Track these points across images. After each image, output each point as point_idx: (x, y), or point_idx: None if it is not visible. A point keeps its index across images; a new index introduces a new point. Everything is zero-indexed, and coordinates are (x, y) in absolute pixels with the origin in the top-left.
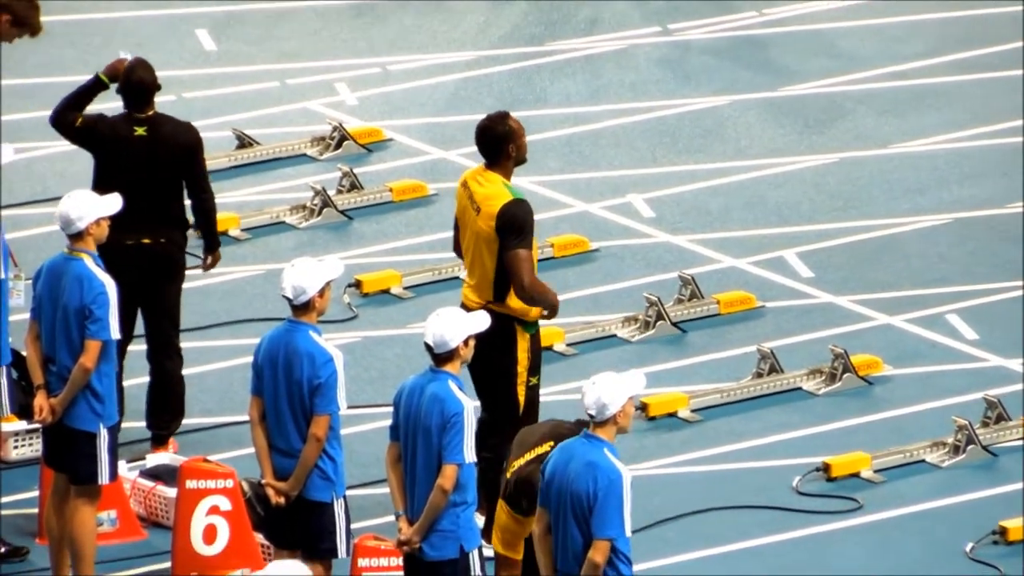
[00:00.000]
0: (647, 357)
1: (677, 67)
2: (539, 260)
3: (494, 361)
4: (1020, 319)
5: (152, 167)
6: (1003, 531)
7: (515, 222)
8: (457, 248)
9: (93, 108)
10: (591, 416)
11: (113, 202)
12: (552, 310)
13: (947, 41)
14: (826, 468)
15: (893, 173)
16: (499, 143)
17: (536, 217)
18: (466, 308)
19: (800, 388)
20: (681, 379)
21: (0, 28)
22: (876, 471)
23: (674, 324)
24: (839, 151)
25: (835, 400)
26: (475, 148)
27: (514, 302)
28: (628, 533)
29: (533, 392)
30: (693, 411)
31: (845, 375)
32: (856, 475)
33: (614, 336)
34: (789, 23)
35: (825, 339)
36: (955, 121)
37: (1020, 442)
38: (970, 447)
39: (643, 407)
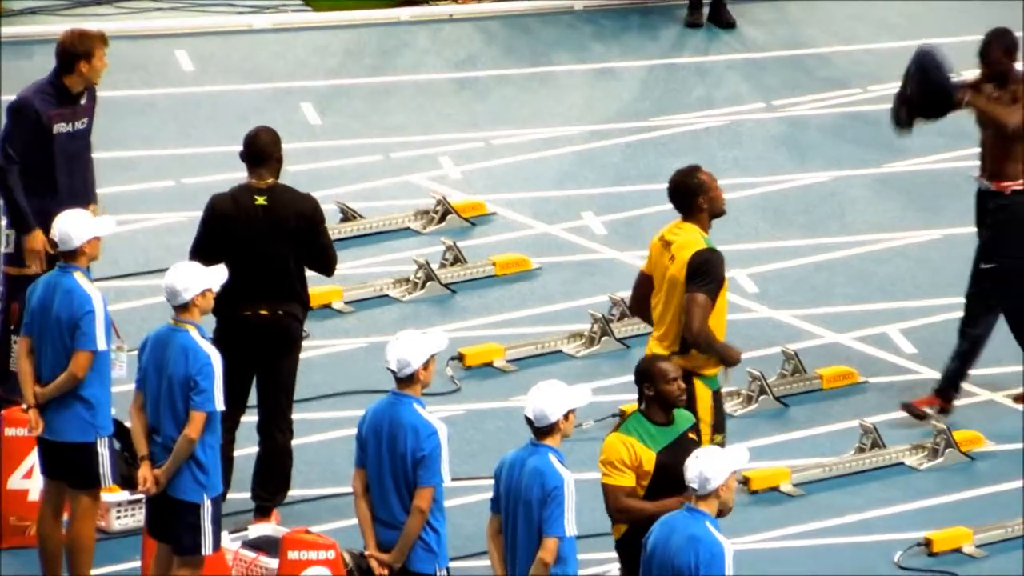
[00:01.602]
0: (750, 431)
1: (782, 143)
2: (640, 334)
3: None
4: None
5: (272, 238)
6: None
7: (703, 267)
8: (636, 304)
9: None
10: (693, 489)
11: (219, 273)
12: (725, 360)
13: None
14: (928, 543)
15: None
16: (689, 196)
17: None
18: None
19: (902, 463)
20: (783, 454)
21: (88, 73)
22: (977, 546)
23: (777, 399)
24: (944, 227)
25: (937, 475)
26: (578, 222)
27: (696, 355)
28: None
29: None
30: (795, 485)
31: (947, 450)
32: (958, 550)
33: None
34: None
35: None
36: None
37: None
38: None
39: (745, 481)
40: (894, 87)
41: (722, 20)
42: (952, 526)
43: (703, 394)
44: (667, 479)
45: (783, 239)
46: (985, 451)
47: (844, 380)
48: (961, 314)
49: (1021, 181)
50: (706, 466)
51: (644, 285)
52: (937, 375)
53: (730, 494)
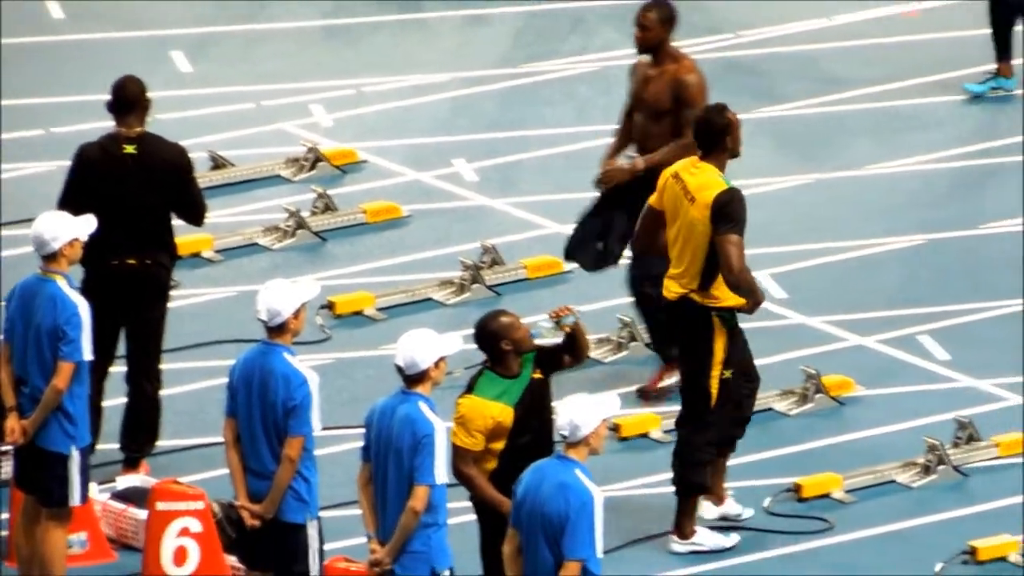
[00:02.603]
0: (620, 378)
1: None
2: (512, 281)
3: (690, 352)
4: (992, 340)
5: (141, 187)
6: (973, 551)
7: (729, 208)
8: (642, 237)
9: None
10: (564, 437)
11: (87, 223)
12: (756, 303)
13: (922, 63)
14: (797, 489)
15: (867, 194)
16: (717, 135)
17: (511, 238)
18: (667, 300)
19: (772, 409)
20: (653, 399)
21: None
22: (847, 492)
23: (647, 345)
24: (814, 172)
25: (806, 421)
26: (450, 169)
27: (718, 291)
28: (599, 554)
29: (725, 386)
30: (665, 432)
31: (817, 396)
32: (827, 496)
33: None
34: (767, 45)
35: (797, 360)
36: (929, 143)
37: (991, 462)
38: (941, 467)
39: (615, 428)
40: (766, 32)
41: None
42: (822, 471)
43: (719, 332)
44: (527, 427)
45: None
46: (855, 396)
47: None
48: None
49: None
50: (576, 414)
51: (652, 219)
52: (807, 319)
53: (600, 441)
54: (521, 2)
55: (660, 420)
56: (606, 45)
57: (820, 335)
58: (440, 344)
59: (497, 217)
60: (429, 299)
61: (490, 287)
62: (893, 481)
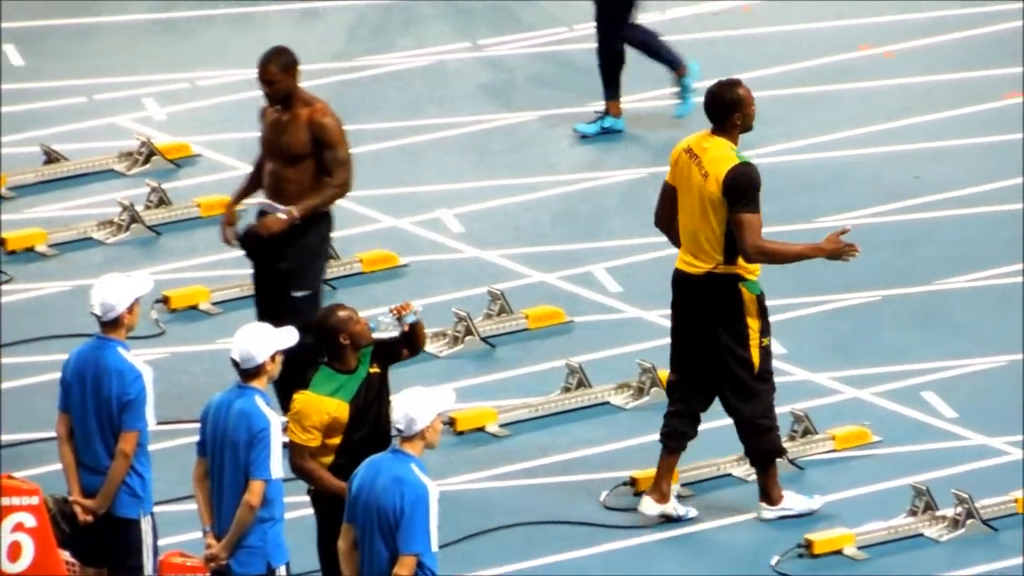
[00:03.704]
0: (456, 372)
1: (487, 83)
2: (348, 275)
3: (724, 327)
4: (826, 332)
5: None
6: (809, 544)
7: (741, 184)
8: (663, 216)
9: None
10: (399, 431)
11: None
12: (802, 257)
13: (757, 57)
14: (633, 482)
15: None
16: (726, 109)
17: (344, 232)
18: (687, 275)
19: (608, 402)
20: (489, 394)
21: None
22: (684, 484)
23: (483, 339)
24: (647, 166)
25: (643, 414)
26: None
27: (743, 260)
28: (434, 548)
29: (767, 353)
30: (501, 426)
31: (653, 389)
32: None
33: (423, 351)
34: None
35: (633, 353)
36: (768, 136)
37: (827, 455)
38: (777, 460)
39: (451, 422)
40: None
41: None
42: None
43: (748, 299)
44: (363, 422)
45: (489, 179)
46: None
47: (550, 320)
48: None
49: None
50: (412, 407)
51: (670, 196)
52: (643, 313)
53: (436, 435)
54: None
55: (497, 415)
56: (440, 39)
57: (656, 329)
58: (275, 338)
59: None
60: None
61: (326, 281)
62: (730, 474)
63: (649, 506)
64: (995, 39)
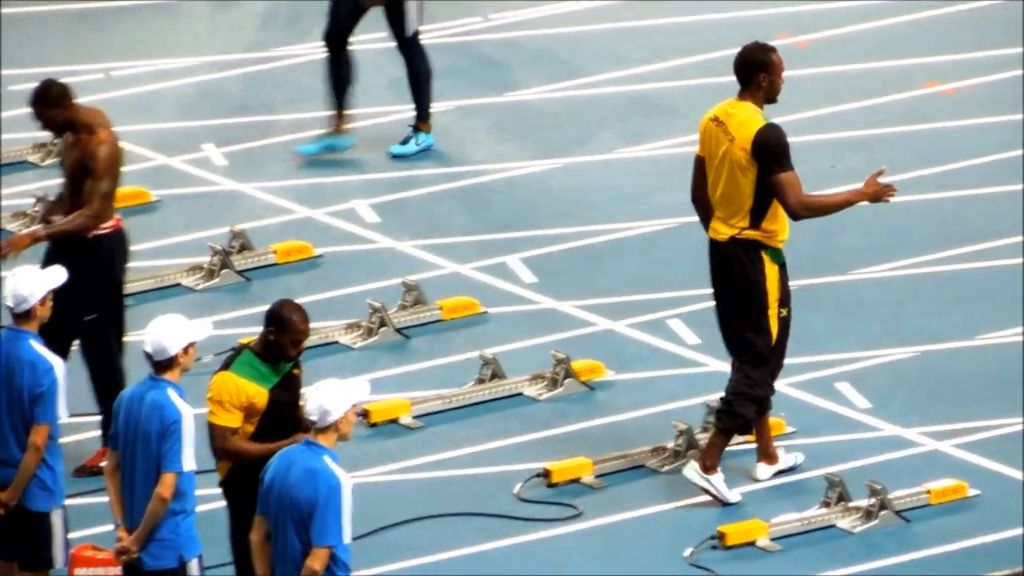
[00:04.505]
0: (370, 363)
1: (401, 73)
2: (262, 267)
3: (745, 292)
4: None
5: None
6: (722, 536)
7: (771, 145)
8: (697, 191)
9: None
10: (312, 422)
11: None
12: (848, 204)
13: (669, 48)
14: (547, 474)
15: (616, 179)
16: (752, 69)
17: (260, 223)
18: (715, 242)
19: (522, 394)
20: (404, 385)
21: None
22: (597, 476)
23: (397, 330)
24: (563, 157)
25: (557, 406)
26: (199, 154)
27: (770, 225)
28: (347, 541)
29: (785, 324)
30: (415, 417)
31: (567, 380)
32: (577, 480)
33: (336, 343)
34: (517, 28)
35: (548, 344)
36: (677, 127)
37: (738, 447)
38: (691, 452)
39: (365, 414)
40: (515, 16)
41: None
42: (572, 456)
43: (770, 269)
44: (279, 415)
45: (404, 170)
46: (605, 380)
47: (465, 311)
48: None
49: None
50: (326, 398)
51: (702, 168)
52: (557, 304)
53: (349, 427)
54: None
55: (410, 406)
56: (357, 28)
57: (570, 320)
58: (189, 330)
59: (246, 202)
60: (178, 285)
61: (240, 272)
62: (643, 466)
63: (762, 471)
64: (915, 29)
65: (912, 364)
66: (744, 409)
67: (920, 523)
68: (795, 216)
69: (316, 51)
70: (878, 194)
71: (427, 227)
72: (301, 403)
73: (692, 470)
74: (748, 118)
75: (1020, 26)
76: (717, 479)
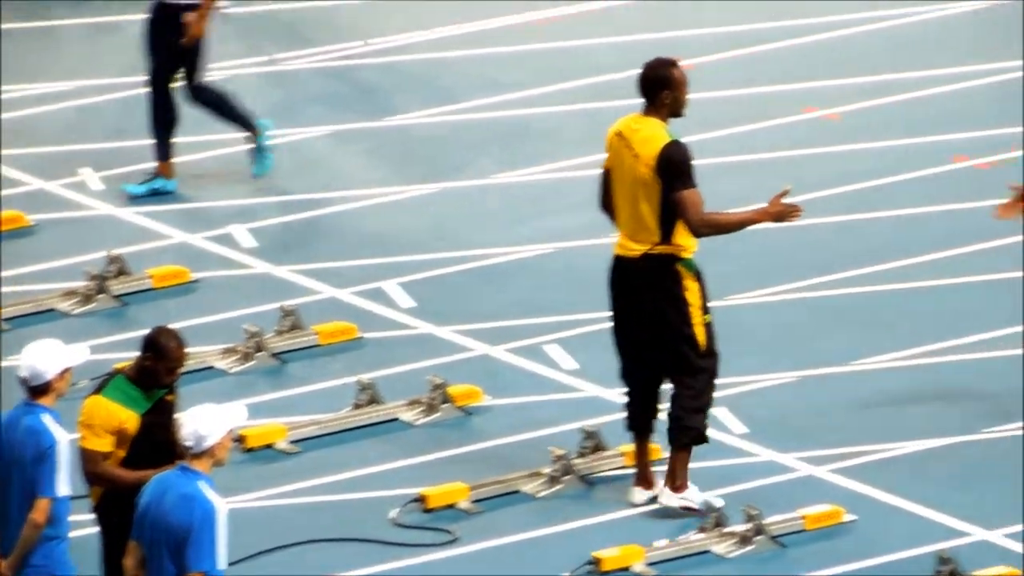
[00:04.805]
0: (246, 388)
1: (278, 98)
2: (138, 291)
3: (667, 305)
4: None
5: None
6: (598, 562)
7: (674, 163)
8: (605, 203)
9: None
10: (188, 448)
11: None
12: (749, 223)
13: (546, 73)
14: (423, 499)
15: (494, 204)
16: (655, 86)
17: (135, 248)
18: (626, 259)
19: (398, 419)
20: (280, 410)
21: None
22: (473, 501)
23: (274, 355)
24: (440, 182)
25: (433, 431)
26: (76, 178)
27: (680, 240)
28: (222, 566)
29: (711, 328)
30: (291, 443)
31: (444, 405)
32: (453, 506)
33: (213, 368)
34: (395, 53)
35: (425, 369)
36: (554, 152)
37: (617, 472)
38: (567, 477)
39: (240, 439)
40: (394, 41)
41: None
42: (448, 482)
43: (688, 280)
44: (151, 441)
45: (280, 193)
46: (482, 405)
47: (342, 336)
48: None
49: None
50: (201, 424)
51: (608, 180)
52: (435, 329)
53: (225, 452)
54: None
55: (286, 431)
56: (233, 54)
57: (447, 345)
58: (64, 355)
59: (123, 227)
60: (53, 310)
61: (116, 297)
62: (519, 491)
63: (638, 495)
64: (796, 54)
65: (789, 390)
66: (694, 421)
67: (796, 548)
68: (696, 233)
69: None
70: (782, 214)
71: (304, 252)
72: (176, 428)
73: (667, 497)
74: (652, 134)
75: (898, 52)
76: (692, 493)
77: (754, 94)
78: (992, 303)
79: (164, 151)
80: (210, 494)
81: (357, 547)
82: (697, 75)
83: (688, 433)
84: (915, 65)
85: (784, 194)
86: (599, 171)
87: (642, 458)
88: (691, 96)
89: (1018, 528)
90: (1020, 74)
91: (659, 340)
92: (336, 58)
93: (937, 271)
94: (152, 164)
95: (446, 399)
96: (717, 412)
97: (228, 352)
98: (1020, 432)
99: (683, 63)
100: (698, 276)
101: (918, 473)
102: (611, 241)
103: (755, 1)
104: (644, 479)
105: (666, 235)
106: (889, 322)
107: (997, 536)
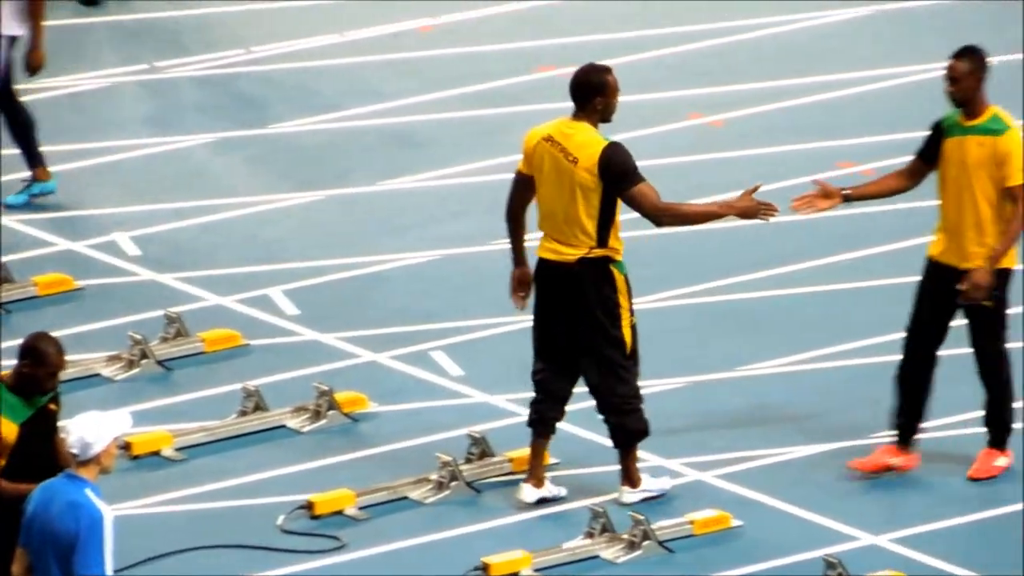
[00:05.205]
0: (131, 396)
1: (160, 106)
2: (22, 300)
3: (600, 308)
4: (504, 355)
5: None
6: (485, 567)
7: (617, 163)
8: (516, 207)
9: None
10: (74, 455)
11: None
12: (708, 216)
13: (429, 82)
14: (310, 506)
15: (379, 211)
16: (588, 92)
17: (19, 256)
18: (559, 265)
19: (285, 426)
20: (166, 418)
21: None
22: (360, 508)
23: (159, 362)
24: (325, 189)
25: (319, 438)
26: None
27: (614, 243)
28: (109, 573)
29: (635, 332)
30: (177, 450)
31: (330, 412)
32: (340, 512)
33: (98, 375)
34: (276, 61)
35: (311, 376)
36: (438, 160)
37: (504, 478)
38: (454, 483)
39: (126, 446)
40: (277, 49)
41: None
42: (335, 488)
43: (620, 281)
44: (30, 451)
45: (165, 202)
46: (368, 412)
47: (227, 343)
48: (348, 274)
49: None
50: (87, 431)
51: (524, 185)
52: (320, 336)
53: (111, 460)
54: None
55: (172, 439)
56: (114, 62)
57: (333, 351)
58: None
59: (6, 235)
60: None
61: (0, 305)
62: (406, 497)
63: (529, 493)
64: (681, 60)
65: (675, 396)
66: (634, 423)
67: (683, 553)
68: (658, 223)
69: (74, 83)
70: (751, 210)
71: (189, 259)
72: (60, 437)
73: (627, 494)
74: (588, 139)
75: (781, 59)
76: (647, 483)
77: (638, 101)
78: (876, 309)
79: (32, 156)
80: (97, 501)
81: (244, 554)
82: None
83: (634, 436)
84: (799, 72)
85: (755, 190)
86: (509, 176)
87: (538, 458)
88: (570, 105)
89: (904, 533)
90: (903, 80)
91: (588, 344)
92: (219, 66)
93: (822, 277)
94: (27, 172)
95: (332, 406)
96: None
97: (113, 359)
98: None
99: (564, 70)
100: (627, 278)
101: (804, 478)
102: (496, 248)
103: (636, 9)
104: (536, 478)
105: (602, 239)
106: (775, 328)
107: (883, 540)
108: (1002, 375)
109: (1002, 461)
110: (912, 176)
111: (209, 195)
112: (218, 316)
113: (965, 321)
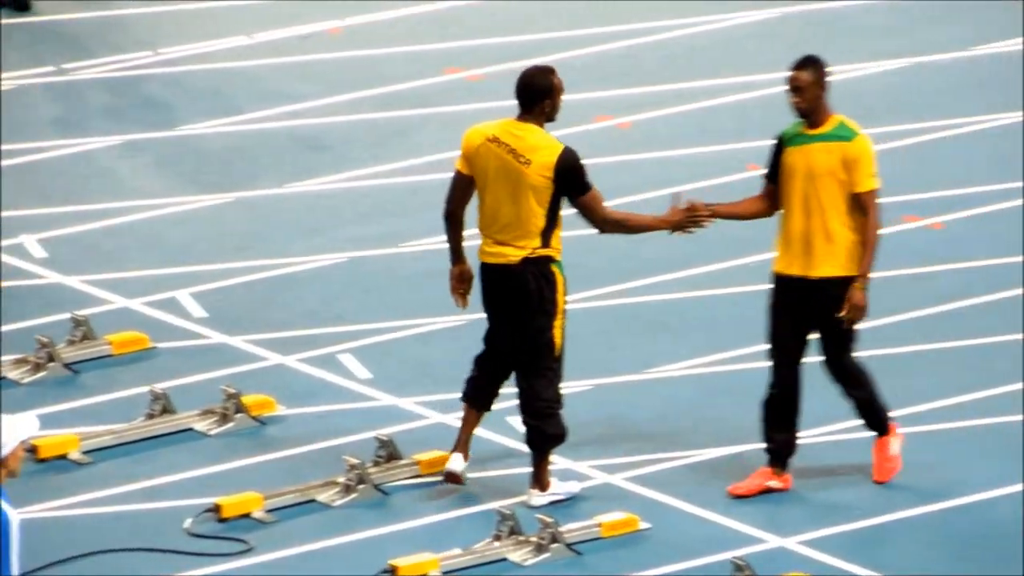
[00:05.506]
0: (38, 399)
1: (67, 108)
2: None
3: (540, 307)
4: (412, 358)
5: None
6: (394, 570)
7: (575, 169)
8: (457, 207)
9: None
10: None
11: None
12: (646, 227)
13: (336, 84)
14: (217, 509)
15: (287, 214)
16: (536, 95)
17: None
18: (502, 266)
19: (192, 429)
20: (73, 420)
21: None
22: (268, 511)
23: (66, 365)
24: (232, 192)
25: (227, 441)
26: None
27: (555, 243)
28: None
29: (563, 333)
30: (84, 453)
31: (237, 415)
32: (248, 515)
33: (4, 378)
34: (183, 63)
35: (218, 379)
36: (346, 162)
37: (412, 480)
38: (362, 486)
39: (33, 449)
40: (185, 51)
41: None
42: (242, 491)
43: (560, 281)
44: None
45: (73, 204)
46: (276, 415)
47: (134, 346)
48: (256, 276)
49: None
50: None
51: (466, 185)
52: (228, 339)
53: (17, 463)
54: None
55: (79, 441)
56: (21, 64)
57: (241, 354)
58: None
59: None
60: None
61: None
62: (314, 500)
63: (458, 462)
64: (585, 63)
65: (582, 398)
66: (553, 428)
67: (592, 555)
68: (603, 230)
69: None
70: (679, 224)
71: (96, 262)
72: None
73: (536, 497)
74: (541, 141)
75: (689, 61)
76: (557, 487)
77: None
78: None
79: None
80: (3, 504)
81: (151, 557)
82: (486, 85)
83: (551, 441)
84: (708, 74)
85: (683, 205)
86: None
87: (469, 429)
88: (479, 107)
89: (812, 535)
90: None
91: (526, 345)
92: (126, 68)
93: (730, 279)
94: None
95: (240, 409)
96: (512, 420)
97: (19, 362)
98: (812, 439)
99: (473, 72)
100: (565, 279)
101: (713, 481)
102: (404, 251)
103: (543, 11)
104: (464, 447)
105: (546, 239)
106: (683, 330)
107: (792, 543)
108: (864, 381)
109: (895, 444)
110: (768, 198)
111: (117, 197)
112: (125, 319)
113: (818, 335)
